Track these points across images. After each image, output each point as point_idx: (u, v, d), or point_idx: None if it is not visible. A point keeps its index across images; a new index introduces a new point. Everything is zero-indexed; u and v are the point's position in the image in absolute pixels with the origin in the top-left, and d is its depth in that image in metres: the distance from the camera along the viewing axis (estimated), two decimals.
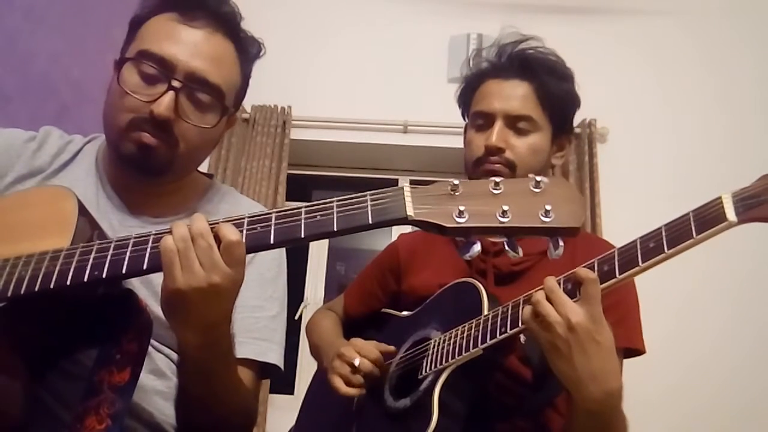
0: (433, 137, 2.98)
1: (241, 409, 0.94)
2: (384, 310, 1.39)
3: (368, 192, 0.73)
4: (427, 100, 2.98)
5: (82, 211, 0.82)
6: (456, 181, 0.71)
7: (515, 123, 1.24)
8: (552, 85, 1.26)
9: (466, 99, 1.35)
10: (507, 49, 1.30)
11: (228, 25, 1.02)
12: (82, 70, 2.21)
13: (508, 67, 1.28)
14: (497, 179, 0.71)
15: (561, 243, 0.71)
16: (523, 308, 0.94)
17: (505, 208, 0.69)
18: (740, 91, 2.94)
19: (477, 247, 0.71)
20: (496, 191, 0.70)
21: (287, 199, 2.92)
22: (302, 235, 0.72)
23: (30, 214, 0.83)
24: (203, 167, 1.16)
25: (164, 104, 0.93)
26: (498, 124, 1.23)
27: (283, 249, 1.07)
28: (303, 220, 0.72)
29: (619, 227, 2.55)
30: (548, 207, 0.69)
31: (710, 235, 0.80)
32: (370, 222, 0.71)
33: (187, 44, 0.96)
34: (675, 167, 2.85)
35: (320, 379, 1.33)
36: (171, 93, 0.94)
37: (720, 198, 0.80)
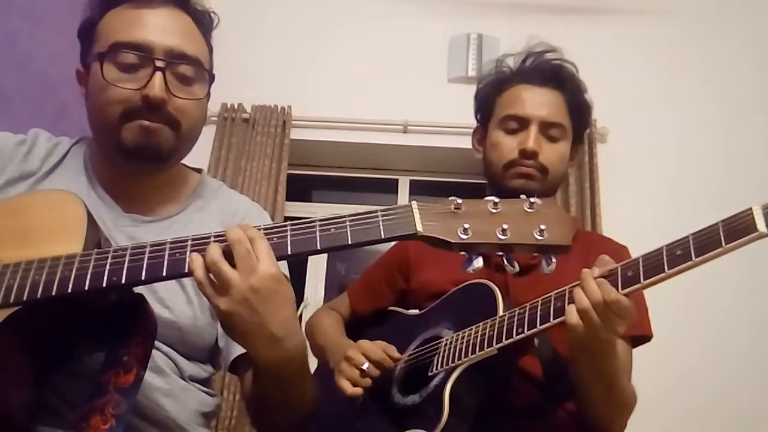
0: (433, 137, 2.97)
1: (310, 406, 0.95)
2: (391, 308, 1.40)
3: (378, 208, 0.78)
4: (427, 100, 2.98)
5: (90, 214, 0.82)
6: (459, 200, 0.77)
7: (548, 129, 1.27)
8: (579, 96, 1.31)
9: (488, 101, 1.36)
10: (536, 58, 1.32)
11: (181, 1, 1.03)
12: None
13: (540, 74, 1.30)
14: (495, 199, 0.77)
15: (553, 260, 0.77)
16: (540, 309, 0.97)
17: (505, 226, 0.75)
18: (740, 91, 2.94)
19: (479, 263, 0.77)
20: (494, 210, 0.77)
21: (287, 200, 2.92)
22: (318, 247, 0.76)
23: (38, 218, 0.83)
24: (203, 165, 1.16)
25: (157, 85, 0.93)
26: (534, 129, 1.26)
27: None
28: (318, 233, 0.76)
29: (619, 227, 2.54)
30: (543, 227, 0.75)
31: (739, 245, 0.82)
32: (383, 237, 0.76)
33: (155, 25, 0.97)
34: (675, 167, 2.85)
35: (322, 376, 1.33)
36: (159, 73, 0.94)
37: (750, 209, 0.82)
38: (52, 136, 1.08)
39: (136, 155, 0.97)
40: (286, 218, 2.87)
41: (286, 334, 0.79)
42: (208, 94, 1.04)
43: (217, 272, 0.74)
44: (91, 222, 0.82)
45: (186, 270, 0.75)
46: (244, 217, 1.09)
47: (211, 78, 1.04)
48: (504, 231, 0.75)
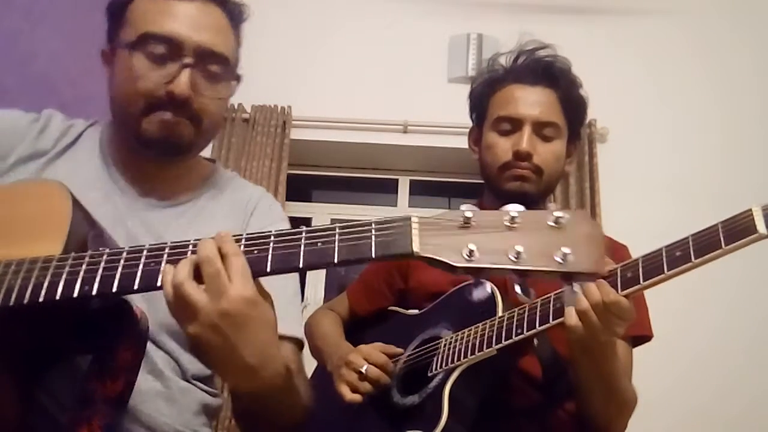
0: (433, 137, 2.97)
1: (300, 414, 0.93)
2: (390, 308, 1.40)
3: (373, 221, 0.69)
4: (427, 100, 2.98)
5: (77, 209, 0.79)
6: (469, 214, 0.67)
7: (541, 129, 1.26)
8: (573, 92, 1.30)
9: (482, 102, 1.35)
10: (528, 56, 1.31)
11: None
12: (82, 69, 2.21)
13: (532, 73, 1.29)
14: (515, 213, 0.66)
15: (576, 290, 0.70)
16: (540, 310, 0.97)
17: (519, 249, 0.64)
18: (739, 91, 2.93)
19: (488, 288, 0.68)
20: (511, 225, 0.66)
21: (287, 199, 2.92)
22: (300, 265, 0.68)
23: (22, 210, 0.81)
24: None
25: (183, 82, 0.93)
26: (527, 130, 1.25)
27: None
28: (303, 247, 0.68)
29: (619, 227, 2.53)
30: (566, 250, 0.63)
31: (739, 246, 0.82)
32: (373, 255, 0.67)
33: (187, 18, 0.96)
34: (674, 167, 2.85)
35: (321, 376, 1.33)
36: (187, 70, 0.94)
37: (750, 210, 0.82)
38: (66, 117, 1.08)
39: (156, 147, 0.97)
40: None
41: (262, 362, 0.72)
42: (233, 91, 1.03)
43: (181, 295, 0.67)
44: (77, 218, 0.78)
45: (159, 284, 0.69)
46: (255, 207, 1.08)
47: (237, 78, 1.02)
48: (518, 254, 0.63)
